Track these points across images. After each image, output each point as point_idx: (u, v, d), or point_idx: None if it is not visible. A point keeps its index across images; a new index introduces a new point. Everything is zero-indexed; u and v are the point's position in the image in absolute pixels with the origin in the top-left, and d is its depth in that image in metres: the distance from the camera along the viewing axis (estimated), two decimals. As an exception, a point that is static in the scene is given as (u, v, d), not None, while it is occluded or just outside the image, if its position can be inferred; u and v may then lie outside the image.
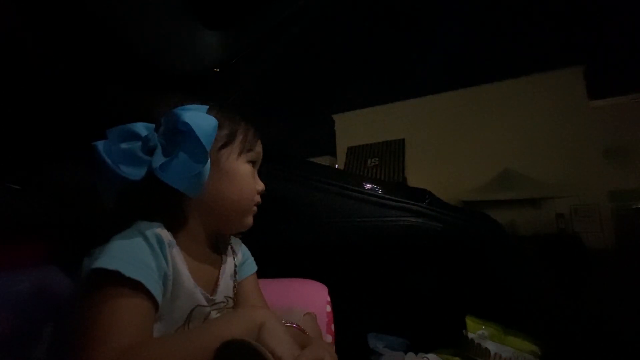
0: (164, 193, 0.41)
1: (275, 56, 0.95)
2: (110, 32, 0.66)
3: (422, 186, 1.19)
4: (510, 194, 8.30)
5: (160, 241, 0.39)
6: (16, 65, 0.67)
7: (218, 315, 0.46)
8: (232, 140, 0.48)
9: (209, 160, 0.41)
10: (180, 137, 0.40)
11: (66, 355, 0.36)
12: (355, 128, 11.55)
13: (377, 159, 10.28)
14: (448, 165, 9.88)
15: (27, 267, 0.56)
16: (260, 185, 0.52)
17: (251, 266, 0.57)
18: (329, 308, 0.72)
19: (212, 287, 0.48)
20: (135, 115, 0.44)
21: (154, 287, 0.36)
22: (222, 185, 0.46)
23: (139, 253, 0.37)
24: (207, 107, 0.44)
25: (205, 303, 0.44)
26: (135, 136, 0.41)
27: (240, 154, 0.48)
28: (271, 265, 0.65)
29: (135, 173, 0.40)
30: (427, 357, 0.81)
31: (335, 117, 12.25)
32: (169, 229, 0.42)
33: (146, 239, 0.38)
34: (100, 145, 0.40)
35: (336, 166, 10.66)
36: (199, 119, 0.40)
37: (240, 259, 0.55)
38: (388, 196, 0.99)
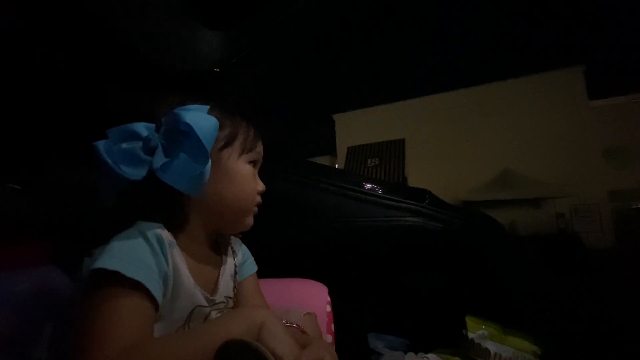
0: (164, 193, 0.41)
1: (275, 56, 0.95)
2: (110, 32, 0.66)
3: (422, 186, 1.19)
4: (510, 194, 8.30)
5: (160, 241, 0.39)
6: (16, 65, 0.67)
7: (218, 315, 0.46)
8: (233, 140, 0.48)
9: (209, 161, 0.41)
10: (181, 137, 0.40)
11: (66, 356, 0.36)
12: (355, 128, 11.54)
13: (377, 159, 10.27)
14: (448, 165, 9.87)
15: (27, 267, 0.56)
16: (261, 186, 0.52)
17: (251, 266, 0.57)
18: (329, 308, 0.72)
19: (212, 287, 0.48)
20: (136, 115, 0.44)
21: (154, 287, 0.36)
22: (222, 186, 0.46)
23: (139, 253, 0.37)
24: (208, 107, 0.44)
25: (205, 303, 0.44)
26: (136, 136, 0.41)
27: (241, 154, 0.48)
28: (271, 265, 0.65)
29: (135, 173, 0.40)
30: (427, 357, 0.81)
31: (335, 117, 12.24)
32: (169, 229, 0.42)
33: (146, 239, 0.38)
34: (100, 145, 0.40)
35: (336, 166, 10.65)
36: (200, 119, 0.40)
37: (240, 259, 0.55)
38: (388, 196, 0.99)
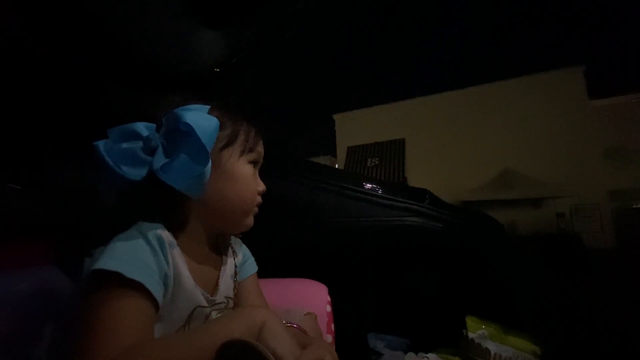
0: (164, 193, 0.41)
1: (275, 56, 0.95)
2: (110, 32, 0.66)
3: (422, 186, 1.19)
4: (510, 194, 8.31)
5: (161, 242, 0.39)
6: (16, 65, 0.67)
7: (218, 315, 0.46)
8: (233, 140, 0.48)
9: (210, 161, 0.40)
10: (181, 137, 0.40)
11: (66, 356, 0.36)
12: (355, 128, 11.56)
13: (377, 158, 10.28)
14: (448, 165, 9.88)
15: (27, 267, 0.56)
16: (261, 186, 0.52)
17: (252, 266, 0.57)
18: (329, 308, 0.72)
19: (213, 287, 0.48)
20: (136, 115, 0.44)
21: (155, 288, 0.36)
22: (223, 186, 0.46)
23: (139, 254, 0.37)
24: (209, 107, 0.44)
25: (205, 304, 0.44)
26: (137, 136, 0.41)
27: (241, 154, 0.48)
28: (271, 265, 0.65)
29: (136, 173, 0.40)
30: (427, 357, 0.81)
31: (335, 117, 12.26)
32: (169, 229, 0.42)
33: (147, 239, 0.38)
34: (101, 145, 0.40)
35: (336, 166, 10.66)
36: (200, 119, 0.40)
37: (240, 259, 0.55)
38: (388, 196, 0.99)
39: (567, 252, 5.45)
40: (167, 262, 0.39)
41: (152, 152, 0.41)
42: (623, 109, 8.84)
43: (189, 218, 0.45)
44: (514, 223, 8.33)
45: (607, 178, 8.41)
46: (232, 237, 0.56)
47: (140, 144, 0.41)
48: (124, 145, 0.41)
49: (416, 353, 0.83)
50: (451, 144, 9.99)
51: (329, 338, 0.67)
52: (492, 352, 0.80)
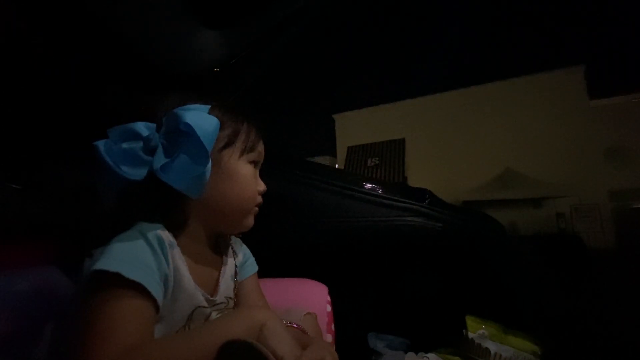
0: (164, 194, 0.41)
1: (275, 56, 0.95)
2: (110, 32, 0.66)
3: (422, 186, 1.19)
4: (510, 193, 8.30)
5: (161, 242, 0.39)
6: (16, 65, 0.67)
7: (219, 315, 0.46)
8: (233, 140, 0.47)
9: (210, 161, 0.40)
10: (181, 137, 0.40)
11: (67, 356, 0.36)
12: (355, 128, 11.55)
13: (377, 158, 10.28)
14: (448, 165, 9.88)
15: (27, 267, 0.56)
16: (262, 186, 0.52)
17: (252, 266, 0.57)
18: (329, 308, 0.72)
19: (213, 287, 0.48)
20: (136, 115, 0.44)
21: (155, 289, 0.36)
22: (223, 186, 0.46)
23: (139, 254, 0.37)
24: (209, 107, 0.44)
25: (205, 304, 0.44)
26: (137, 136, 0.41)
27: (242, 154, 0.48)
28: (272, 265, 0.65)
29: (136, 173, 0.40)
30: (427, 357, 0.81)
31: (335, 117, 12.25)
32: (169, 229, 0.42)
33: (147, 240, 0.38)
34: (101, 145, 0.40)
35: (336, 166, 10.65)
36: (201, 119, 0.40)
37: (240, 259, 0.55)
38: (388, 196, 0.99)
39: (567, 252, 5.45)
40: (167, 263, 0.39)
41: (152, 152, 0.41)
42: (623, 109, 8.83)
43: (189, 218, 0.45)
44: (514, 223, 8.32)
45: (607, 178, 8.40)
46: (233, 237, 0.56)
47: (141, 144, 0.41)
48: (124, 145, 0.41)
49: (416, 353, 0.83)
50: (451, 144, 9.98)
51: (329, 338, 0.67)
52: (492, 352, 0.80)
